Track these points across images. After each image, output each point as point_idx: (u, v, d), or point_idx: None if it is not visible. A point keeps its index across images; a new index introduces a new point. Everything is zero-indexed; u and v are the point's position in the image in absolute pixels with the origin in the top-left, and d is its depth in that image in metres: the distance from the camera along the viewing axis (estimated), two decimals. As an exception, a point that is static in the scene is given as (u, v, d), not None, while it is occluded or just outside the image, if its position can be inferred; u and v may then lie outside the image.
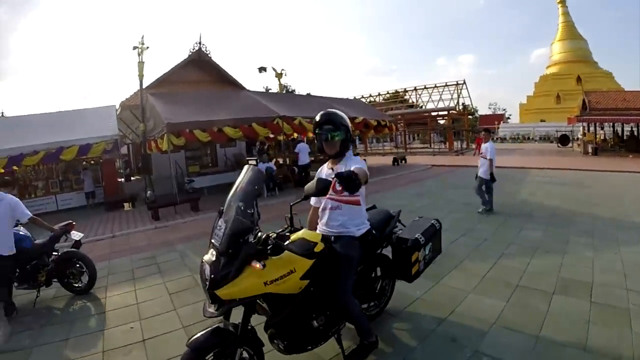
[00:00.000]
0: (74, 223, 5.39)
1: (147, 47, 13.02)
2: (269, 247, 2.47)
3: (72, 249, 5.30)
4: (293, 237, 2.62)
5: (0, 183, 5.22)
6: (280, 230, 2.81)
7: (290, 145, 16.59)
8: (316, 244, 2.57)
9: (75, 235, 5.34)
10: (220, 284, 2.28)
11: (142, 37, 13.32)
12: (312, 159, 14.44)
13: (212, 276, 2.30)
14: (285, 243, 2.51)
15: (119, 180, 16.88)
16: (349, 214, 2.87)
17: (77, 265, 5.24)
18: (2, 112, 20.17)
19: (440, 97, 31.12)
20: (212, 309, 2.39)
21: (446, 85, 31.01)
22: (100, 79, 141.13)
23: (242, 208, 2.42)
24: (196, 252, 6.61)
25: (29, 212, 4.82)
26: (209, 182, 13.88)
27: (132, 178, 19.20)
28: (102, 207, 13.05)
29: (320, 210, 2.98)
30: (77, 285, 5.25)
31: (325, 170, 2.97)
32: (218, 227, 2.44)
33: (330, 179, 2.37)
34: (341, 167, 2.72)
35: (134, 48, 12.87)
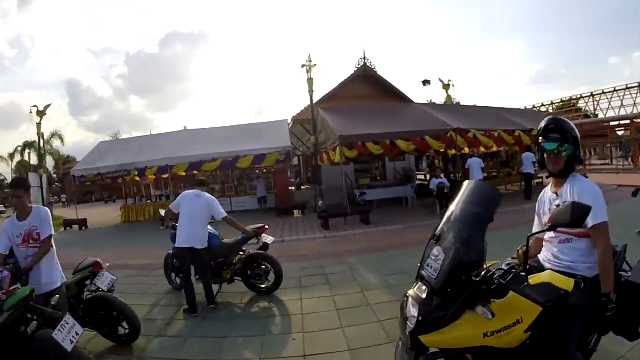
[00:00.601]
0: (266, 227, 5.68)
1: (315, 65, 14.17)
2: (492, 287, 2.02)
3: (261, 251, 5.58)
4: (534, 278, 2.02)
5: (198, 182, 5.67)
6: (505, 263, 2.16)
7: (460, 161, 15.50)
8: (567, 292, 1.94)
9: (267, 238, 5.62)
10: (428, 329, 1.94)
11: (309, 56, 14.50)
12: (485, 175, 13.27)
13: (421, 318, 1.95)
14: (522, 286, 1.92)
15: (290, 188, 18.49)
16: (581, 249, 2.27)
17: (263, 267, 5.49)
18: (185, 126, 24.34)
19: (622, 103, 26.25)
20: (408, 357, 2.05)
21: (627, 88, 26.20)
22: (272, 96, 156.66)
23: (467, 236, 2.04)
24: (367, 267, 6.44)
25: (224, 212, 5.28)
26: (378, 196, 14.06)
27: (302, 187, 20.36)
28: (273, 212, 14.61)
29: (545, 240, 2.45)
30: (262, 286, 5.51)
31: (548, 194, 2.47)
32: (433, 257, 2.07)
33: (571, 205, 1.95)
34: (566, 192, 2.29)
35: (303, 66, 13.68)
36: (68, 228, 18.14)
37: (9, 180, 47.61)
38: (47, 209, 3.79)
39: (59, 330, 3.01)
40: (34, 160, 34.35)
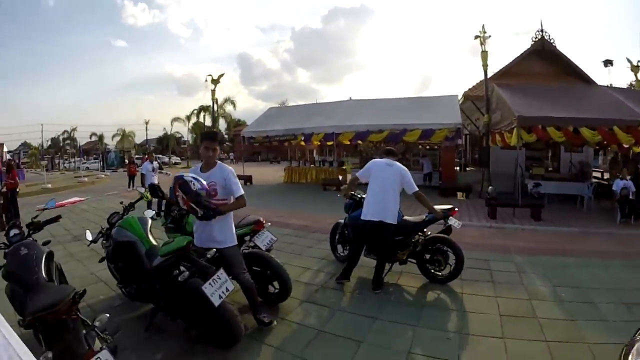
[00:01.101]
0: (456, 209, 5.27)
1: (489, 36, 13.39)
2: None
3: (443, 235, 5.23)
4: None
5: (386, 151, 5.43)
6: None
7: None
8: None
9: (454, 222, 5.21)
10: None
11: (483, 26, 13.82)
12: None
13: None
14: None
15: (455, 168, 18.37)
16: None
17: (445, 253, 5.11)
18: (350, 97, 25.28)
19: None
20: None
21: None
22: (439, 70, 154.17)
23: None
24: (536, 271, 5.85)
25: (415, 186, 4.99)
26: (550, 190, 12.50)
27: (467, 169, 19.69)
28: (435, 191, 14.53)
29: None
30: (438, 273, 5.17)
31: None
32: None
33: None
34: None
35: (476, 37, 12.89)
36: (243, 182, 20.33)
37: (185, 138, 54.70)
38: (232, 168, 3.88)
39: (209, 283, 3.18)
40: (208, 122, 38.66)
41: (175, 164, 50.88)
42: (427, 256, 5.18)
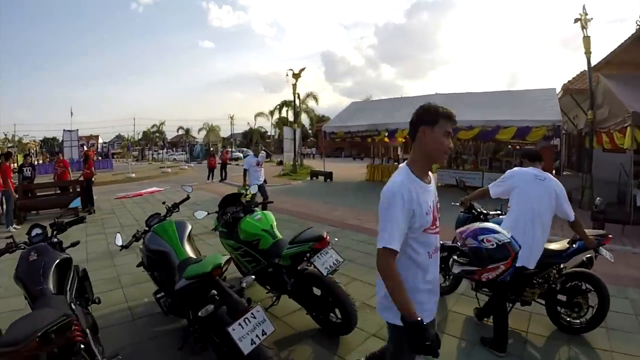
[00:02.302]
0: (610, 235, 4.05)
1: (591, 19, 11.85)
2: None
3: (585, 269, 4.00)
4: None
5: (530, 155, 4.09)
6: None
7: None
8: None
9: (606, 253, 3.90)
10: None
11: (584, 7, 12.01)
12: None
13: None
14: None
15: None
16: None
17: (586, 293, 3.90)
18: (436, 92, 24.28)
19: None
20: None
21: None
22: (529, 64, 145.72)
23: None
24: None
25: (572, 210, 3.71)
26: None
27: (563, 173, 18.07)
28: None
29: None
30: (575, 320, 3.97)
31: None
32: None
33: None
34: None
35: (576, 21, 11.59)
36: (314, 178, 20.59)
37: (270, 132, 56.60)
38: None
39: (239, 324, 2.62)
40: (291, 117, 39.43)
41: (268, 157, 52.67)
42: (562, 297, 3.97)
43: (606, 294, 3.73)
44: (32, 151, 54.63)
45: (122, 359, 2.83)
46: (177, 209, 4.64)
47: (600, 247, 3.86)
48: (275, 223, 4.60)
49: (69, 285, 3.17)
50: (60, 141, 35.67)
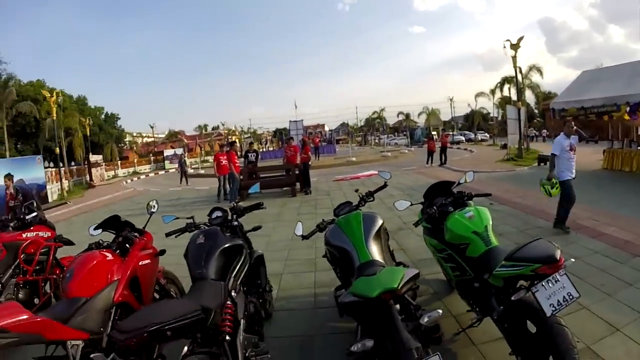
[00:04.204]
0: None
1: None
2: None
3: None
4: None
5: None
6: None
7: None
8: None
9: None
10: None
11: None
12: None
13: None
14: None
15: None
16: None
17: None
18: (602, 64, 19.29)
19: None
20: None
21: None
22: None
23: None
24: None
25: None
26: None
27: None
28: None
29: None
30: None
31: None
32: None
33: None
34: None
35: None
36: (542, 164, 18.83)
37: (492, 113, 53.93)
38: None
39: None
40: (513, 95, 36.87)
41: (482, 140, 52.01)
42: None
43: None
44: (265, 140, 67.07)
45: (271, 358, 2.81)
46: (371, 198, 4.12)
47: None
48: (491, 223, 3.46)
49: (235, 271, 3.14)
50: (288, 130, 40.45)
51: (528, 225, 7.70)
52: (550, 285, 2.67)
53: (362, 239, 3.20)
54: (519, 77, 28.76)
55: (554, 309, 2.61)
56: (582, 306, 3.98)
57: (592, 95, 16.05)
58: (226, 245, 3.17)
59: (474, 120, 57.63)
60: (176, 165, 29.53)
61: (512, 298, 2.79)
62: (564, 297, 2.65)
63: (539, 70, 37.57)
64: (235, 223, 3.69)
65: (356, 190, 4.42)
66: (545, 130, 46.04)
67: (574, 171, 7.07)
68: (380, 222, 3.53)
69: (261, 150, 48.01)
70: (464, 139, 53.09)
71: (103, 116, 50.56)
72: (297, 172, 14.10)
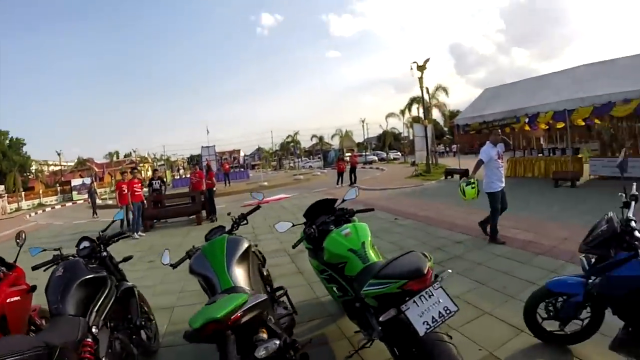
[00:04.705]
0: None
1: None
2: None
3: None
4: None
5: None
6: None
7: None
8: None
9: None
10: None
11: None
12: None
13: None
14: None
15: None
16: None
17: None
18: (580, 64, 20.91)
19: None
20: None
21: None
22: None
23: None
24: None
25: None
26: None
27: None
28: None
29: None
30: None
31: None
32: None
33: None
34: None
35: None
36: (449, 177, 19.55)
37: (403, 133, 56.09)
38: None
39: None
40: (422, 114, 38.02)
41: (394, 159, 54.37)
42: None
43: None
44: (178, 167, 65.24)
45: None
46: (245, 221, 3.89)
47: None
48: (369, 239, 3.28)
49: (97, 305, 2.94)
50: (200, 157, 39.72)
51: (431, 237, 7.73)
52: (423, 301, 2.49)
53: (224, 265, 2.90)
54: (426, 96, 29.72)
55: (428, 326, 2.42)
56: (484, 312, 4.06)
57: (494, 110, 16.79)
58: (86, 277, 3.00)
59: (386, 140, 59.24)
60: (85, 196, 27.60)
61: (380, 319, 2.56)
62: (439, 312, 2.47)
63: (445, 90, 39.42)
64: (104, 253, 3.56)
65: (228, 214, 4.32)
66: (455, 146, 48.11)
67: (503, 180, 6.97)
68: (245, 245, 3.23)
69: (175, 177, 46.54)
70: (376, 158, 54.73)
71: (8, 141, 46.56)
72: (202, 199, 13.61)
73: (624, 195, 3.27)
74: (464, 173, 17.98)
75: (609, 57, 15.68)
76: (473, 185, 6.66)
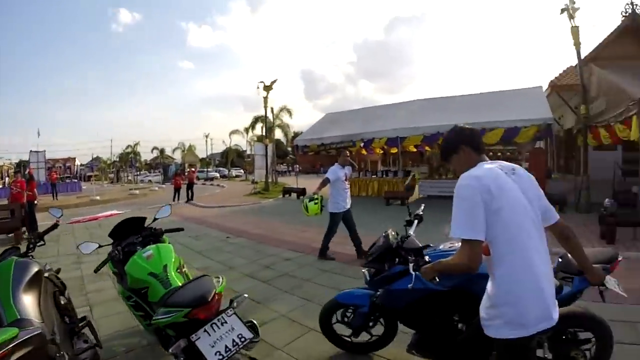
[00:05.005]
0: (620, 259, 2.76)
1: (578, 8, 10.89)
2: None
3: (583, 310, 2.65)
4: None
5: (465, 138, 2.52)
6: None
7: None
8: None
9: (613, 285, 2.64)
10: None
11: None
12: None
13: None
14: None
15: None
16: None
17: (579, 345, 2.66)
18: (416, 99, 23.36)
19: None
20: None
21: None
22: (523, 60, 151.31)
23: None
24: None
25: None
26: None
27: (552, 176, 16.74)
28: None
29: None
30: None
31: None
32: None
33: None
34: None
35: (562, 11, 10.89)
36: (287, 195, 19.80)
37: (247, 150, 55.66)
38: None
39: None
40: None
41: (236, 176, 53.97)
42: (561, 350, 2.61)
43: (610, 343, 2.57)
44: (3, 174, 54.31)
45: None
46: (41, 241, 3.49)
47: (607, 278, 2.51)
48: (173, 262, 3.06)
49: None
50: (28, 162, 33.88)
51: (261, 255, 7.60)
52: (215, 329, 2.42)
53: (10, 293, 2.40)
54: (270, 116, 29.79)
55: (220, 357, 2.33)
56: (310, 328, 4.03)
57: (332, 133, 17.43)
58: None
59: (229, 157, 58.35)
60: None
61: (170, 351, 2.39)
62: (233, 341, 2.40)
63: (289, 112, 40.10)
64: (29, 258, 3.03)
65: (29, 233, 4.03)
66: (297, 166, 49.29)
67: (348, 201, 7.00)
68: (35, 269, 2.75)
69: (-1, 186, 38.66)
70: (218, 175, 53.91)
71: None
72: (23, 213, 11.25)
73: (409, 214, 3.46)
74: (301, 192, 18.16)
75: (443, 95, 17.69)
76: (316, 201, 6.57)
